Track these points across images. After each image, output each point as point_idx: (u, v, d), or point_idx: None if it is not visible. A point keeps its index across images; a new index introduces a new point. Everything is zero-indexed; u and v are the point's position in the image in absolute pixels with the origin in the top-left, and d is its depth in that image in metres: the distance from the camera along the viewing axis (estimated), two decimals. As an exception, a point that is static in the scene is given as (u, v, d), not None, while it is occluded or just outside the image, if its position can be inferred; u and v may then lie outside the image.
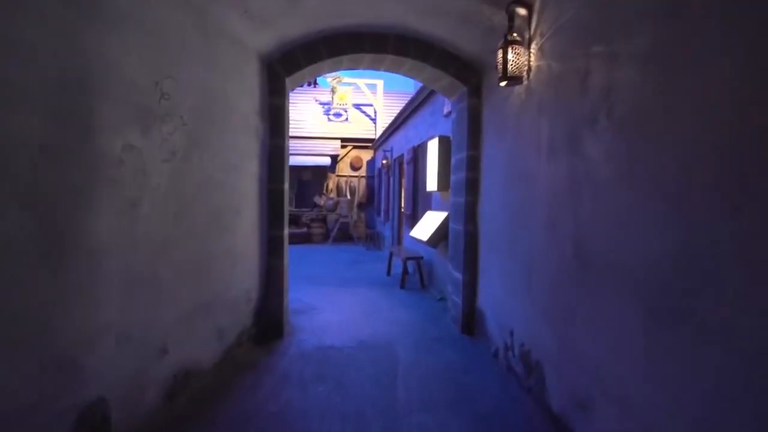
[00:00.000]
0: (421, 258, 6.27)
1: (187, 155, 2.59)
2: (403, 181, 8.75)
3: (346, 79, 13.40)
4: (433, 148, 5.55)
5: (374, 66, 4.31)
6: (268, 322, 3.82)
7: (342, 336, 4.03)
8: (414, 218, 7.35)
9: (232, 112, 3.16)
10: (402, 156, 8.69)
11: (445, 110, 5.43)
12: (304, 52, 3.74)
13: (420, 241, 5.45)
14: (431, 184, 5.61)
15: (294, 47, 3.71)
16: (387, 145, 10.63)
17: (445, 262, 5.34)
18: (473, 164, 4.07)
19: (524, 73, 2.85)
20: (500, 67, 2.84)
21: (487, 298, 3.80)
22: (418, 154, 7.21)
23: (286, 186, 4.10)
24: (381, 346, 3.77)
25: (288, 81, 3.87)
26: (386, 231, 10.70)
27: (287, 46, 3.67)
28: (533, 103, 2.77)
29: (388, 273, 7.40)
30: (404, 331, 4.25)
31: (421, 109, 6.90)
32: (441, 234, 5.11)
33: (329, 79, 13.10)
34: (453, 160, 4.63)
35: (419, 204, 7.22)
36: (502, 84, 2.91)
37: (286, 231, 4.14)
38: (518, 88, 3.06)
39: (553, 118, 2.46)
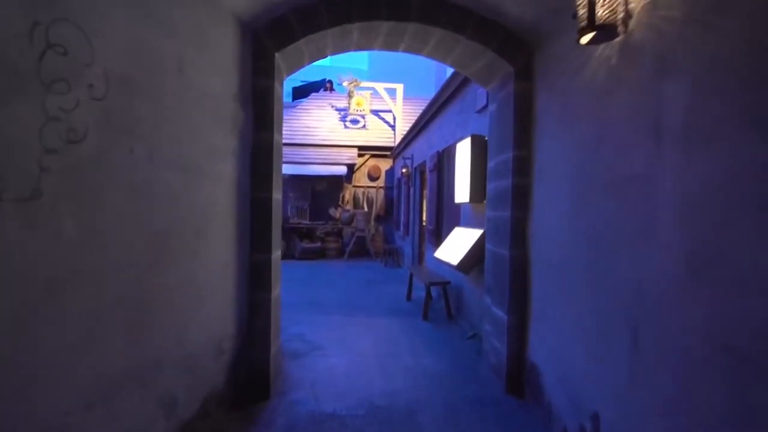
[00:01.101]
0: (448, 283, 5.24)
1: (104, 145, 1.69)
2: (425, 191, 7.77)
3: (364, 83, 12.61)
4: (463, 150, 4.57)
5: (392, 43, 3.39)
6: (250, 378, 2.87)
7: (349, 395, 3.03)
8: (438, 234, 6.35)
9: (193, 90, 2.26)
10: (424, 163, 7.73)
11: (479, 105, 4.46)
12: (300, 19, 2.84)
13: (448, 265, 4.43)
14: (461, 194, 4.62)
15: (286, 11, 2.82)
16: (407, 152, 9.70)
17: (479, 290, 4.31)
18: (521, 167, 3.07)
19: (618, 22, 1.86)
20: (582, 13, 1.87)
21: (544, 349, 2.76)
22: (443, 160, 6.24)
23: (278, 195, 3.18)
24: (400, 416, 2.75)
25: (279, 57, 2.97)
26: (406, 247, 9.71)
27: (278, 9, 2.78)
28: (642, 64, 1.76)
29: (409, 297, 6.39)
30: (431, 387, 3.22)
31: (447, 107, 5.94)
32: (475, 257, 4.09)
33: (346, 83, 12.33)
34: (491, 164, 3.64)
35: (444, 218, 6.22)
36: (584, 40, 1.92)
37: (278, 254, 3.21)
38: (604, 50, 2.06)
39: (701, 79, 1.45)
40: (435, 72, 16.58)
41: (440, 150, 6.30)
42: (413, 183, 9.00)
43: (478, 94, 4.47)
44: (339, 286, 7.60)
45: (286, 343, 4.11)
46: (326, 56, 3.55)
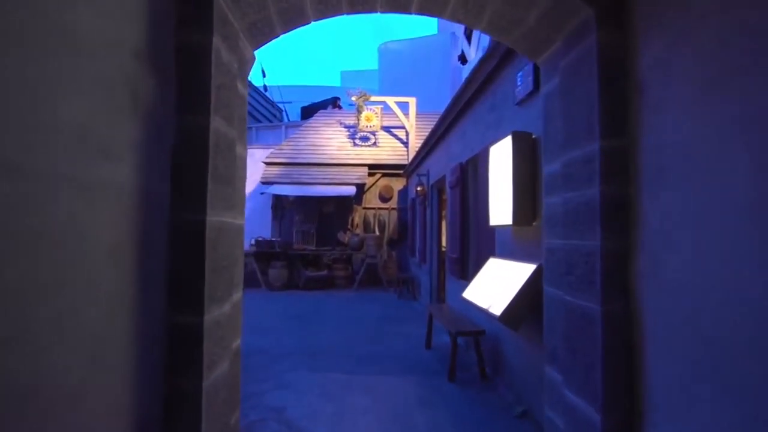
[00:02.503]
0: (481, 333, 3.98)
1: None
2: (445, 212, 6.59)
3: (374, 98, 11.67)
4: (500, 156, 3.41)
5: (402, -7, 2.30)
6: None
7: None
8: (463, 265, 5.12)
9: (36, 27, 1.15)
10: (443, 179, 6.58)
11: (521, 93, 3.32)
12: (251, -67, 1.77)
13: (486, 313, 3.19)
14: (498, 214, 3.43)
15: None
16: (422, 169, 8.58)
17: (528, 344, 3.05)
18: (616, 167, 1.88)
19: None
20: None
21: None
22: (467, 174, 5.08)
23: (230, 218, 2.05)
24: None
25: (225, 2, 1.89)
26: (423, 276, 8.46)
27: None
28: None
29: (428, 344, 5.11)
30: None
31: (473, 107, 4.81)
32: (527, 305, 2.86)
33: (354, 97, 11.42)
34: (550, 169, 2.47)
35: (471, 245, 5.00)
36: None
37: (226, 310, 2.04)
38: None
39: None
40: (450, 84, 15.64)
41: (463, 161, 5.15)
42: (430, 203, 7.84)
43: (519, 79, 3.34)
44: (344, 326, 6.37)
45: (255, 425, 2.90)
46: (307, 19, 2.47)
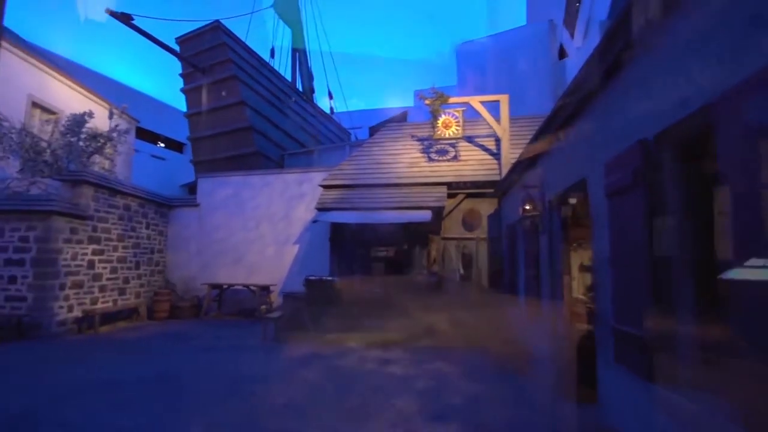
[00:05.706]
0: None
1: None
2: (593, 240, 3.86)
3: (454, 99, 9.33)
4: None
5: None
6: None
7: None
8: (652, 353, 2.36)
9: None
10: (578, 187, 3.90)
11: None
12: None
13: None
14: None
15: None
16: (529, 178, 5.92)
17: None
18: None
19: None
20: None
21: None
22: (661, 160, 2.42)
23: None
24: None
25: None
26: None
27: None
28: None
29: None
30: None
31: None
32: None
33: (428, 101, 9.18)
34: None
35: (685, 312, 2.26)
36: None
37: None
38: None
39: None
40: (550, 83, 12.76)
41: (651, 136, 2.50)
42: (547, 227, 5.12)
43: None
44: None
45: None
46: None
